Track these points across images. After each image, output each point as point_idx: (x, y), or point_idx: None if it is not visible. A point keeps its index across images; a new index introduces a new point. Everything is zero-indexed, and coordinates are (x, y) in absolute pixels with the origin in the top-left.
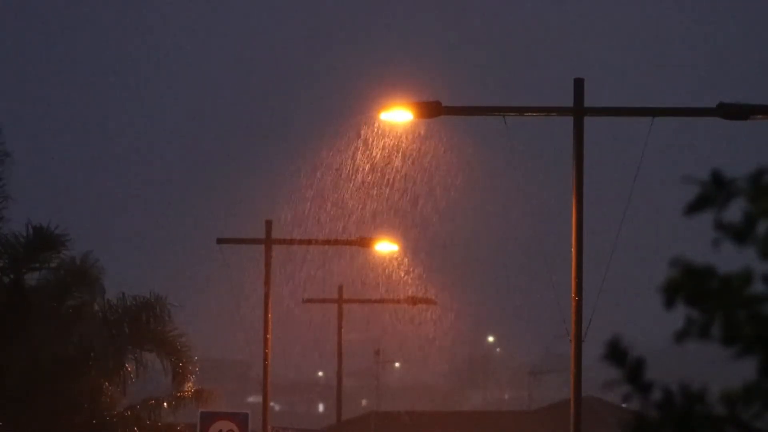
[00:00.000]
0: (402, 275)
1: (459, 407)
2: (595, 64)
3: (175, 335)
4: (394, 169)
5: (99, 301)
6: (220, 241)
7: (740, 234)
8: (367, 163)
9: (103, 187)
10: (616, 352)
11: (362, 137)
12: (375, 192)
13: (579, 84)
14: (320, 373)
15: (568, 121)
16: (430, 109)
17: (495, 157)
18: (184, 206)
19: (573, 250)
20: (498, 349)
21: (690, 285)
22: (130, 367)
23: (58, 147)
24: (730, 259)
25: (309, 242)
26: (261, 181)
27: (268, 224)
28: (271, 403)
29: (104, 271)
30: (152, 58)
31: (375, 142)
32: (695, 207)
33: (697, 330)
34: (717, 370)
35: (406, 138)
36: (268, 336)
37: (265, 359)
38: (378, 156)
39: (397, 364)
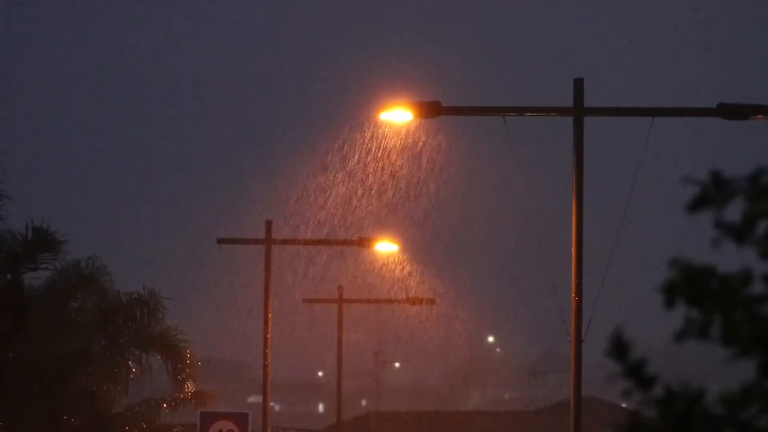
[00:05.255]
0: (402, 275)
1: (459, 407)
2: (595, 64)
3: (177, 338)
4: (394, 170)
5: (97, 301)
6: (220, 241)
7: (740, 234)
8: (367, 163)
9: (102, 186)
10: (618, 346)
11: (362, 137)
12: (375, 192)
13: (579, 84)
14: (320, 373)
15: (568, 121)
16: (430, 109)
17: (495, 157)
18: (184, 206)
19: (573, 250)
20: (498, 349)
21: (689, 285)
22: (131, 367)
23: (58, 146)
24: (730, 259)
25: (309, 242)
26: (261, 181)
27: (268, 224)
28: (271, 403)
29: (111, 276)
30: (153, 58)
31: (374, 142)
32: (695, 207)
33: (696, 330)
34: (717, 370)
35: (406, 138)
36: (268, 336)
37: (265, 359)
38: (378, 156)
39: (397, 364)
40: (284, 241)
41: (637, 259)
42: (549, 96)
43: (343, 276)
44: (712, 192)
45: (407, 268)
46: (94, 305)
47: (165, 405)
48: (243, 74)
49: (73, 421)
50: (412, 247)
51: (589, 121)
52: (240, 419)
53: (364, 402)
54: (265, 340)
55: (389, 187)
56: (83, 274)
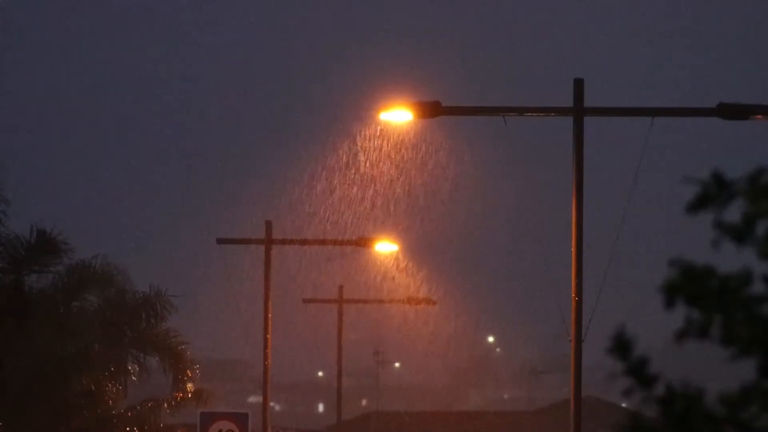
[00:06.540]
0: (402, 275)
1: (459, 407)
2: (595, 64)
3: (176, 340)
4: (394, 170)
5: (99, 301)
6: (220, 241)
7: (740, 234)
8: (367, 163)
9: (102, 186)
10: (620, 344)
11: (362, 137)
12: (375, 192)
13: (579, 84)
14: (320, 373)
15: (568, 121)
16: (430, 109)
17: (495, 157)
18: (184, 206)
19: (573, 250)
20: (498, 349)
21: (689, 285)
22: (131, 368)
23: (58, 146)
24: (730, 259)
25: (309, 242)
26: (261, 181)
27: (268, 224)
28: (271, 403)
29: (128, 273)
30: (153, 56)
31: (375, 143)
32: (696, 206)
33: (696, 330)
34: (717, 370)
35: (406, 138)
36: (268, 336)
37: (265, 359)
38: (378, 156)
39: (397, 364)
40: (284, 241)
41: (637, 259)
42: (549, 96)
43: (343, 276)
44: (713, 192)
45: (407, 268)
46: (100, 306)
47: (165, 405)
48: (244, 75)
49: (74, 421)
50: (413, 248)
51: (589, 121)
52: (240, 419)
53: (364, 402)
54: (265, 340)
55: (389, 187)
56: (95, 272)
